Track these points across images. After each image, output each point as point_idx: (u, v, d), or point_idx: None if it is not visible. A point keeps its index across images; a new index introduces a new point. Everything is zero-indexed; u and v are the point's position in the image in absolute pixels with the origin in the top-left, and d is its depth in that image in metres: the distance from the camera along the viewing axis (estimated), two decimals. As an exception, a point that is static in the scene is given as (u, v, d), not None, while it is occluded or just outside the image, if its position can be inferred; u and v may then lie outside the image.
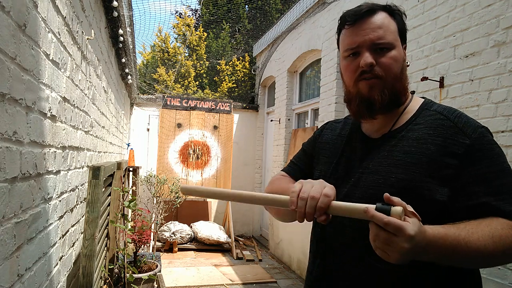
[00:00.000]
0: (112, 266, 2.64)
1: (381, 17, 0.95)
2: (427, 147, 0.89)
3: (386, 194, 0.75)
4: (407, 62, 0.99)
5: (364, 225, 0.79)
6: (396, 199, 0.75)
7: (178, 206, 5.49)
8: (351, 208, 0.78)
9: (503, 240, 0.80)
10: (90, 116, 2.31)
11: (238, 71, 7.83)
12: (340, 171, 1.02)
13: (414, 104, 1.00)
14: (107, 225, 2.48)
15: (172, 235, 5.33)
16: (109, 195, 2.50)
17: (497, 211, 0.83)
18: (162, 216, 5.15)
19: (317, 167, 1.11)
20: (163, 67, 7.80)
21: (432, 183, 0.86)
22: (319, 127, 1.28)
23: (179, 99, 6.10)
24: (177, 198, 5.35)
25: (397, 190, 0.87)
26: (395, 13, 0.98)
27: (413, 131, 0.94)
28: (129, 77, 4.35)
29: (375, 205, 0.75)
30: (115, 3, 2.55)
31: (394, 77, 0.94)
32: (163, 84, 7.49)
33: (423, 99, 1.02)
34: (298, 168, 1.20)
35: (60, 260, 1.64)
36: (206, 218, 6.18)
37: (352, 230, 0.93)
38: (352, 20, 0.96)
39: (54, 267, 1.53)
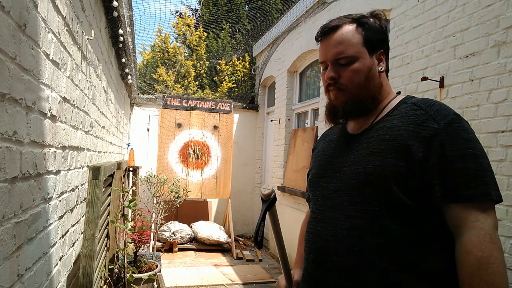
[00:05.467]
0: (112, 266, 2.64)
1: (344, 32, 1.02)
2: (400, 133, 0.94)
3: None
4: (380, 68, 1.04)
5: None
6: None
7: (178, 206, 5.49)
8: None
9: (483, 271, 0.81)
10: (90, 116, 2.31)
11: (238, 71, 7.83)
12: (328, 170, 1.09)
13: (395, 100, 1.06)
14: (107, 225, 2.48)
15: (172, 235, 5.33)
16: (109, 195, 2.50)
17: (452, 195, 0.87)
18: (162, 216, 5.15)
19: (310, 173, 1.21)
20: (163, 67, 7.80)
21: (405, 167, 0.90)
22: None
23: (179, 99, 6.10)
24: (177, 198, 5.35)
25: (375, 177, 0.93)
26: (363, 24, 1.03)
27: (389, 121, 1.00)
28: (129, 77, 4.35)
29: None
30: (115, 3, 2.55)
31: (358, 87, 1.01)
32: (163, 84, 7.49)
33: (405, 96, 1.08)
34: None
35: (60, 260, 1.63)
36: (206, 218, 6.18)
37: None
38: (319, 36, 1.07)
39: (54, 267, 1.53)
